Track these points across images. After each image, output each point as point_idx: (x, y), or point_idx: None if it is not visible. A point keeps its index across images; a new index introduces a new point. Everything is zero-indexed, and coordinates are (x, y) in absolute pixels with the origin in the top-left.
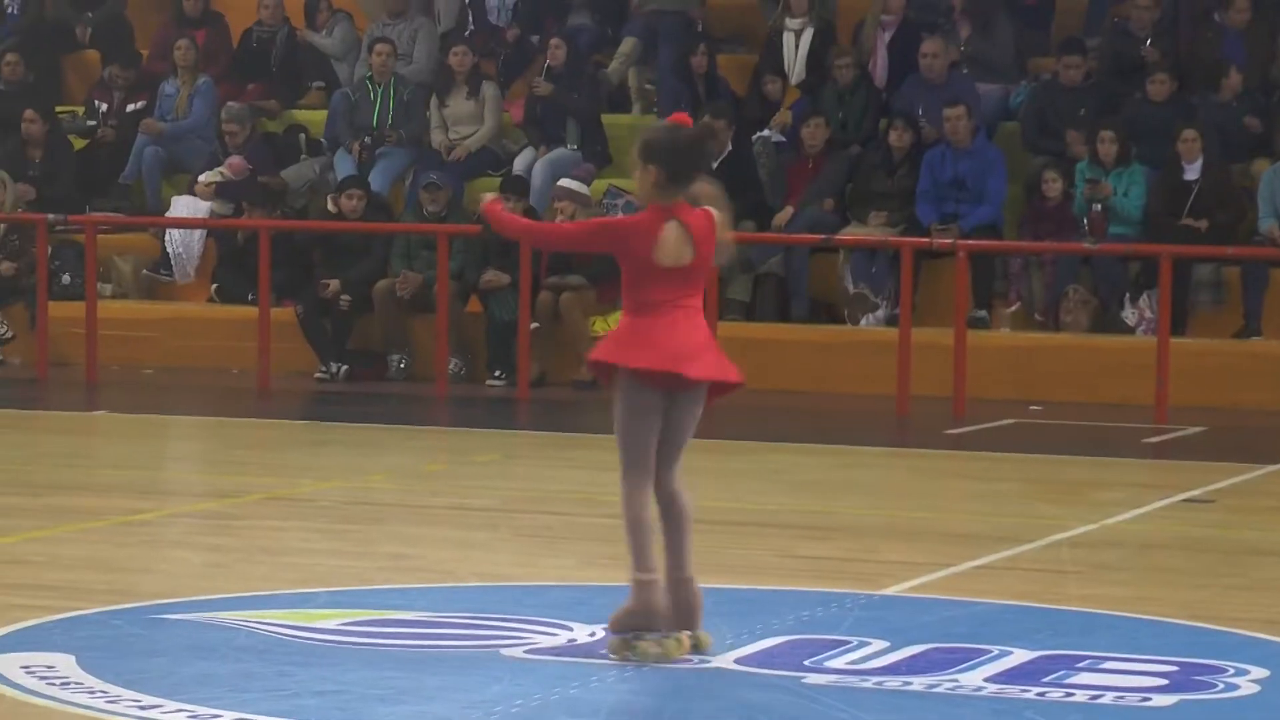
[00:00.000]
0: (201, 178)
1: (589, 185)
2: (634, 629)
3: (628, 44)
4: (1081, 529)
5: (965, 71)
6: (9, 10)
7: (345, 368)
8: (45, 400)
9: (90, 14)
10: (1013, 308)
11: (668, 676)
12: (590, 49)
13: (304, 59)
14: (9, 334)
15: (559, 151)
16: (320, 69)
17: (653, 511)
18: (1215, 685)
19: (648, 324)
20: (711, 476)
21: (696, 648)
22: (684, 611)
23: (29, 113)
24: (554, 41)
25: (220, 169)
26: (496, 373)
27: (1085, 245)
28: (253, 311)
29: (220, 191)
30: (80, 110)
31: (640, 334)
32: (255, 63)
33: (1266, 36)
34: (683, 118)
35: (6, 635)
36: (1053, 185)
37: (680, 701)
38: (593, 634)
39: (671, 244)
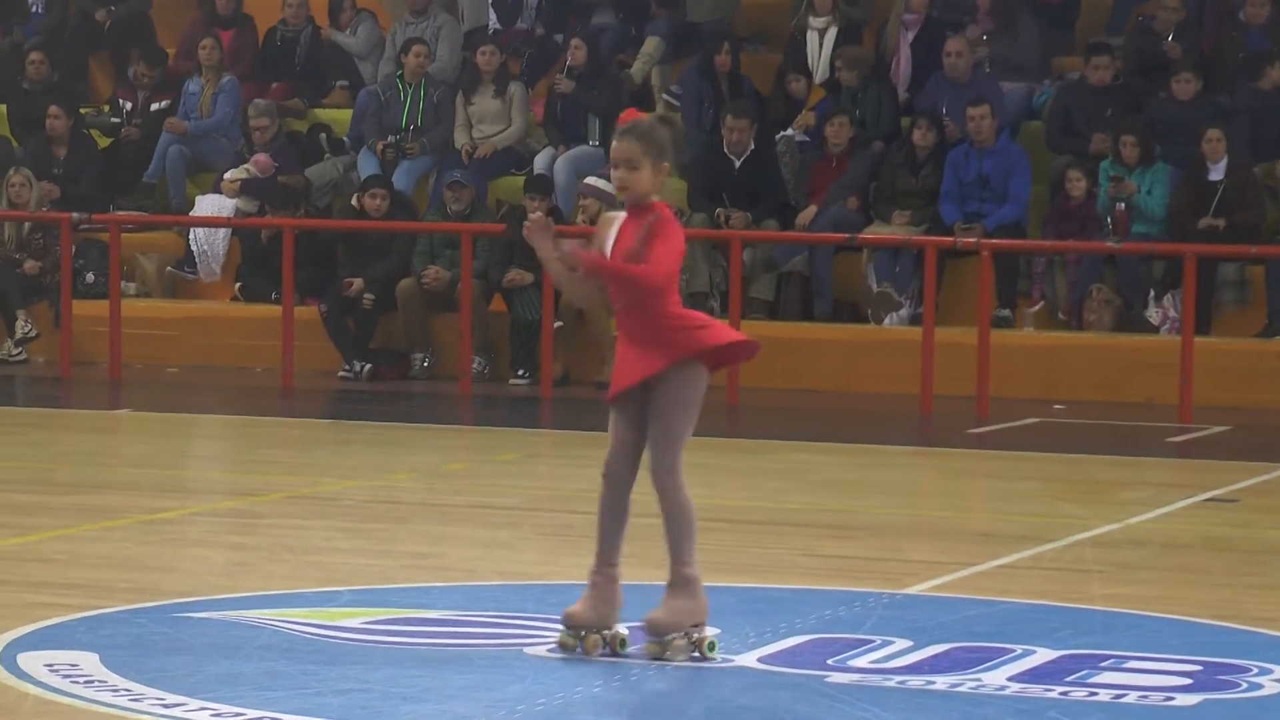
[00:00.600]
0: (227, 175)
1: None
2: (695, 625)
3: (651, 43)
4: (1105, 528)
5: (989, 70)
6: (34, 9)
7: (368, 366)
8: (69, 399)
9: (112, 8)
10: (1036, 307)
11: (691, 675)
12: (613, 48)
13: (328, 58)
14: (33, 332)
15: (580, 149)
16: (344, 68)
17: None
18: (1239, 685)
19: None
20: (735, 475)
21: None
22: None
23: (53, 110)
24: (575, 41)
25: (245, 166)
26: (520, 371)
27: (1109, 244)
28: (276, 310)
29: (245, 189)
30: (105, 108)
31: (699, 322)
32: (279, 62)
33: None
34: (634, 114)
35: (30, 634)
36: (1076, 184)
37: (703, 700)
38: (615, 632)
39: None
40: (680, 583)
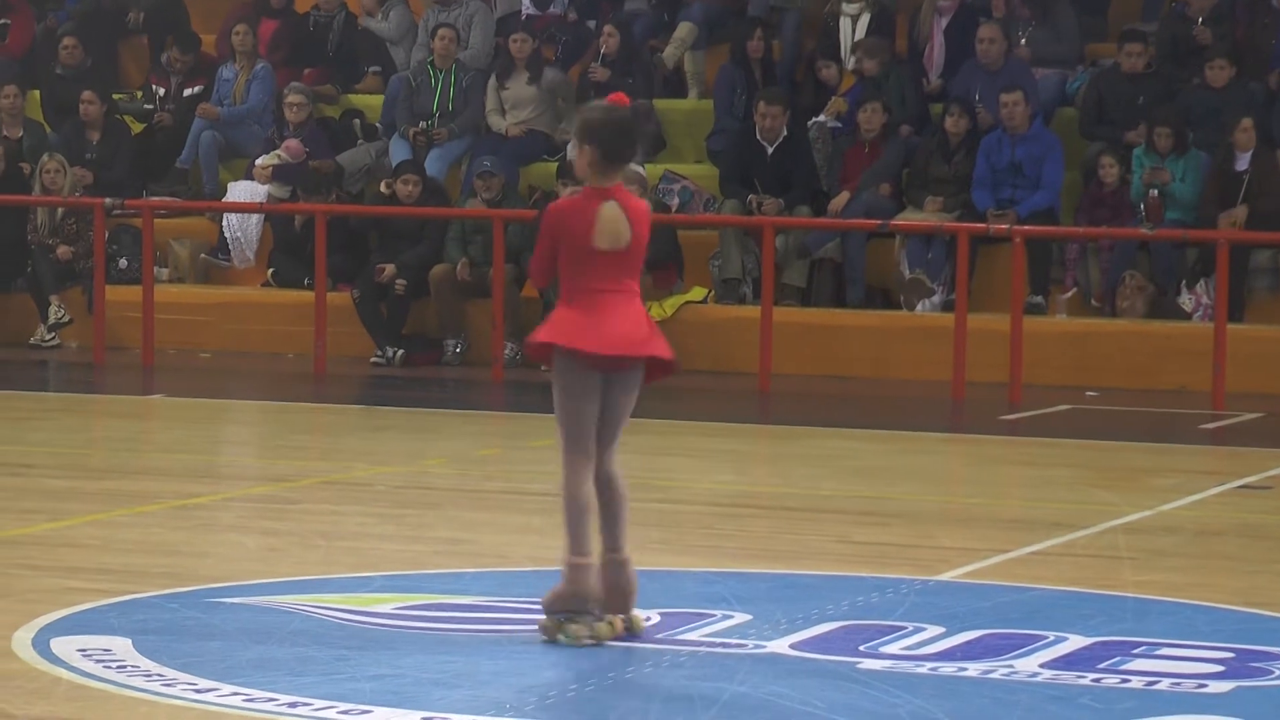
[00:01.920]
0: (259, 161)
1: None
2: (565, 611)
3: (684, 29)
4: (1137, 515)
5: (1022, 57)
6: None
7: (400, 352)
8: (102, 384)
9: None
10: (1069, 294)
11: (723, 661)
12: (646, 34)
13: (360, 44)
14: (66, 318)
15: None
16: (376, 54)
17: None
18: (1272, 672)
19: (586, 307)
20: (768, 462)
21: (630, 630)
22: (619, 594)
23: (86, 95)
24: (608, 29)
25: (277, 152)
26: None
27: (1142, 231)
28: (309, 296)
29: (277, 175)
30: (138, 94)
31: (579, 317)
32: (312, 47)
33: None
34: (620, 98)
35: (64, 618)
36: (1110, 171)
37: (735, 686)
38: (648, 618)
39: (609, 225)
40: (566, 569)
